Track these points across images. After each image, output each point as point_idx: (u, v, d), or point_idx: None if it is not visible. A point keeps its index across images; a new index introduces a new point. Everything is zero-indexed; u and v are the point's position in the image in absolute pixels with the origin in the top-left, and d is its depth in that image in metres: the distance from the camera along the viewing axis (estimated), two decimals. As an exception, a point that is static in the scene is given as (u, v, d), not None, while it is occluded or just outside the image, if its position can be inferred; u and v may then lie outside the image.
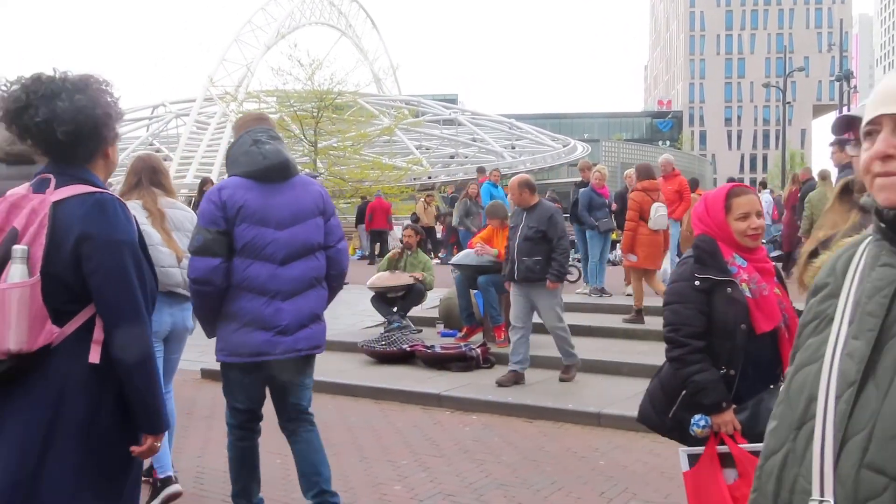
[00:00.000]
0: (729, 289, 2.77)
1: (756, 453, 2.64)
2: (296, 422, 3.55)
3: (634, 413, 5.62)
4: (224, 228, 3.27)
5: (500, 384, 6.44)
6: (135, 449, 2.16)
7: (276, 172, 3.39)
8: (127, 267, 2.12)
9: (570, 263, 10.16)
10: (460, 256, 8.44)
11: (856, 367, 1.22)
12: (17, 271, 2.00)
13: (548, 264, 6.38)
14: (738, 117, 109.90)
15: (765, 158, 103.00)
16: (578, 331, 8.29)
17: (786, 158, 41.32)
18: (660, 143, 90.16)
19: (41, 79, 2.13)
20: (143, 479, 2.63)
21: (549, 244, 6.41)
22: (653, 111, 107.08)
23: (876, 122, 1.23)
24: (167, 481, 3.99)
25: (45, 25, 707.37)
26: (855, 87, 39.35)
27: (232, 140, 3.59)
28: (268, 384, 3.50)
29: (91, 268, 2.06)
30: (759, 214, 2.86)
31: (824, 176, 13.35)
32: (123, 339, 2.09)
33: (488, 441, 5.22)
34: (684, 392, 2.82)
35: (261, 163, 3.36)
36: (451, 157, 54.11)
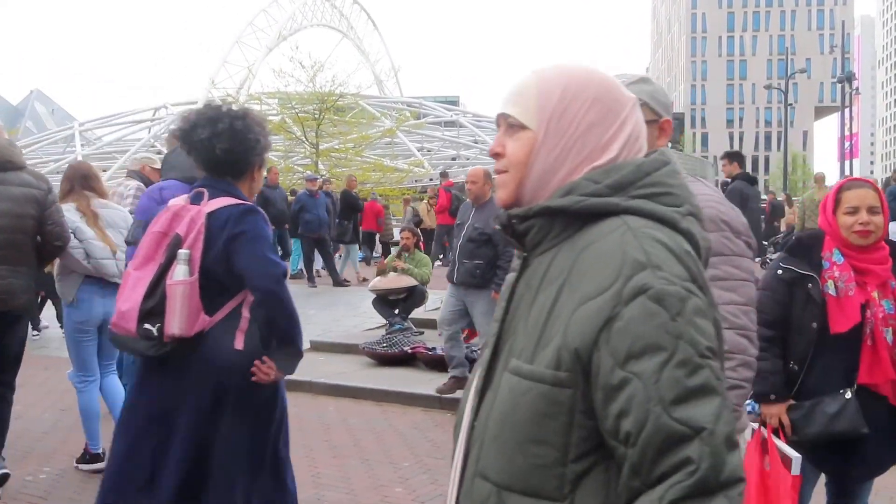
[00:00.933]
0: (809, 284, 2.67)
1: (785, 455, 2.61)
2: None
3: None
4: None
5: (441, 392, 6.08)
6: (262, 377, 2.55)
7: None
8: (268, 247, 2.60)
9: None
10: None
11: (479, 374, 1.20)
12: (181, 271, 2.45)
13: (490, 270, 5.68)
14: (740, 119, 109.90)
15: (766, 160, 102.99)
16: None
17: (787, 160, 41.25)
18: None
19: (211, 105, 2.67)
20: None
21: (494, 249, 5.68)
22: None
23: (497, 122, 1.26)
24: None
25: (45, 25, 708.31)
26: (857, 88, 39.32)
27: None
28: None
29: (238, 252, 2.51)
30: (874, 210, 2.64)
31: (819, 179, 13.38)
32: (271, 297, 2.54)
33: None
34: None
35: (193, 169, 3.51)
36: (453, 158, 54.08)
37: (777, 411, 2.69)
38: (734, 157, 9.75)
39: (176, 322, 2.42)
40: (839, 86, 40.49)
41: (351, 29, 66.49)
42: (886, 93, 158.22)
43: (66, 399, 5.84)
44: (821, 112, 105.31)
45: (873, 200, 2.65)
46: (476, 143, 55.20)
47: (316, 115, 27.68)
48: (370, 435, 5.49)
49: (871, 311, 2.62)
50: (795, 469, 2.56)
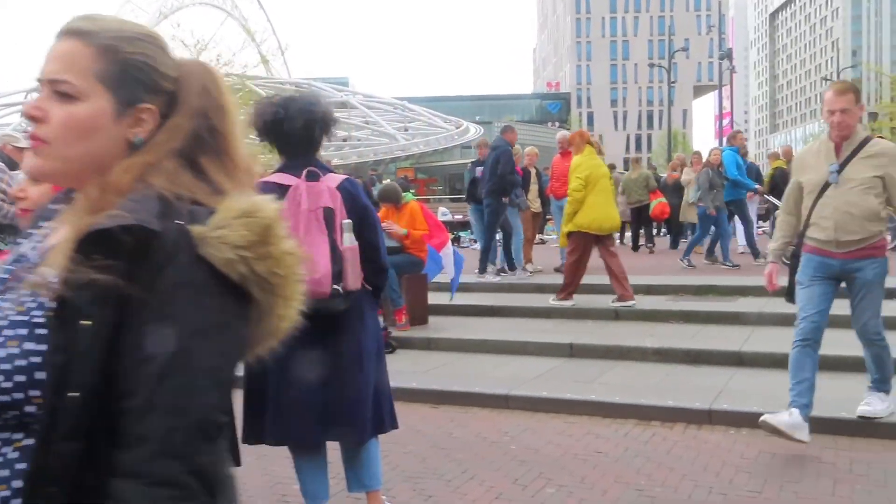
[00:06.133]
0: None
1: None
2: None
3: (543, 393, 5.53)
4: None
5: None
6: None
7: None
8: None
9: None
10: (358, 238, 8.10)
11: None
12: (348, 238, 3.01)
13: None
14: (624, 99, 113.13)
15: (649, 138, 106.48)
16: (483, 311, 8.16)
17: (670, 138, 42.73)
18: (549, 124, 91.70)
19: (293, 97, 3.12)
20: None
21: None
22: (542, 93, 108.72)
23: None
24: None
25: None
26: (733, 67, 41.01)
27: None
28: None
29: (368, 225, 3.11)
30: None
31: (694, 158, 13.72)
32: (381, 264, 3.20)
33: (393, 430, 4.93)
34: None
35: None
36: (344, 140, 53.31)
37: None
38: None
39: (352, 279, 2.99)
40: (716, 65, 42.10)
41: (235, 7, 64.26)
42: (758, 72, 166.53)
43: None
44: (699, 91, 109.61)
45: None
46: (367, 123, 54.60)
47: (199, 96, 26.56)
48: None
49: None
50: None
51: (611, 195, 8.19)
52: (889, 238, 4.58)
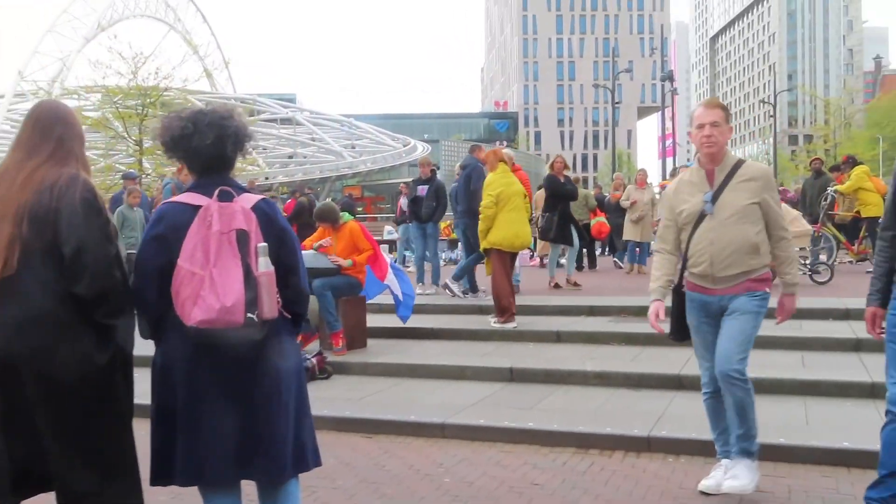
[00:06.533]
0: None
1: None
2: None
3: (481, 421, 5.34)
4: None
5: None
6: None
7: None
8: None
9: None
10: (294, 259, 7.85)
11: None
12: (263, 262, 2.78)
13: None
14: (570, 119, 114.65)
15: (595, 158, 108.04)
16: (423, 334, 7.97)
17: (615, 158, 43.32)
18: (497, 143, 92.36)
19: (203, 111, 2.92)
20: None
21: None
22: (490, 112, 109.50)
23: None
24: None
25: None
26: (675, 89, 41.82)
27: None
28: None
29: (287, 248, 2.92)
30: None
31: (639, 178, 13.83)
32: (301, 289, 3.00)
33: (322, 463, 4.69)
34: None
35: None
36: (290, 157, 52.78)
37: None
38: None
39: (267, 307, 2.77)
40: (660, 87, 42.86)
41: (178, 21, 63.31)
42: (700, 95, 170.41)
43: None
44: (643, 112, 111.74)
45: None
46: (313, 140, 54.20)
47: (139, 111, 25.95)
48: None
49: None
50: None
51: (522, 213, 8.19)
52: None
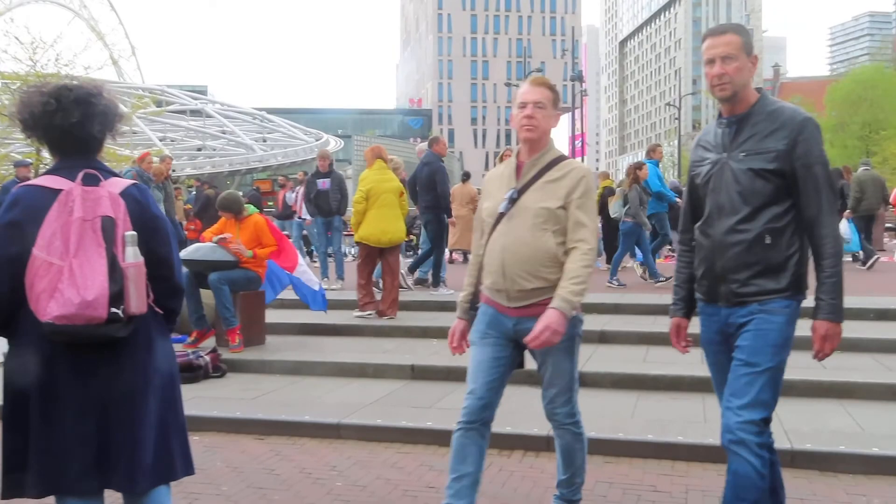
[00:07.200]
0: None
1: None
2: None
3: (378, 421, 5.16)
4: None
5: None
6: None
7: None
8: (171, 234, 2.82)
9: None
10: (190, 251, 7.49)
11: None
12: (131, 252, 2.55)
13: None
14: (484, 117, 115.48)
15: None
16: (325, 330, 7.74)
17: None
18: (411, 139, 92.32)
19: (68, 87, 2.67)
20: None
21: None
22: (405, 109, 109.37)
23: None
24: None
25: None
26: (585, 90, 42.57)
27: None
28: None
29: (159, 238, 2.69)
30: None
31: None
32: (174, 283, 2.77)
33: (209, 467, 4.43)
34: None
35: None
36: (199, 149, 51.34)
37: None
38: None
39: (135, 301, 2.57)
40: (570, 87, 43.58)
41: (84, 8, 60.71)
42: (609, 97, 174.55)
43: None
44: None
45: None
46: (224, 133, 52.78)
47: (37, 99, 24.69)
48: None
49: None
50: None
51: (394, 209, 8.27)
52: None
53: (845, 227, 12.56)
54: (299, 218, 14.27)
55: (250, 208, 7.63)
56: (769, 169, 2.77)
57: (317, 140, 53.53)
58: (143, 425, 2.64)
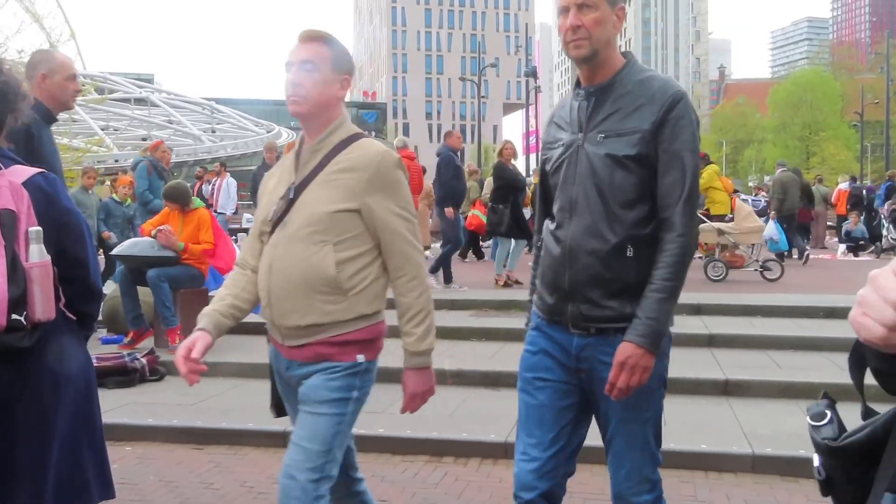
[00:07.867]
0: None
1: None
2: None
3: (326, 427, 4.91)
4: None
5: None
6: None
7: None
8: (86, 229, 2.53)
9: None
10: (126, 246, 7.11)
11: None
12: (36, 251, 2.27)
13: None
14: (439, 112, 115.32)
15: (462, 152, 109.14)
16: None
17: (481, 152, 43.78)
18: (366, 133, 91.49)
19: None
20: None
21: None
22: (359, 102, 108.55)
23: None
24: None
25: None
26: (538, 87, 42.65)
27: None
28: None
29: (71, 234, 2.40)
30: None
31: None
32: (89, 285, 2.47)
33: (140, 481, 4.11)
34: None
35: None
36: (144, 139, 50.11)
37: None
38: None
39: (41, 307, 2.28)
40: (524, 84, 43.62)
41: (20, -11, 58.71)
42: (562, 94, 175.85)
43: None
44: (508, 108, 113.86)
45: None
46: (170, 123, 51.61)
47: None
48: None
49: None
50: None
51: None
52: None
53: (773, 228, 13.11)
54: (216, 212, 13.89)
55: (197, 202, 7.33)
56: (630, 155, 2.14)
57: (268, 132, 52.69)
58: (50, 445, 2.37)
